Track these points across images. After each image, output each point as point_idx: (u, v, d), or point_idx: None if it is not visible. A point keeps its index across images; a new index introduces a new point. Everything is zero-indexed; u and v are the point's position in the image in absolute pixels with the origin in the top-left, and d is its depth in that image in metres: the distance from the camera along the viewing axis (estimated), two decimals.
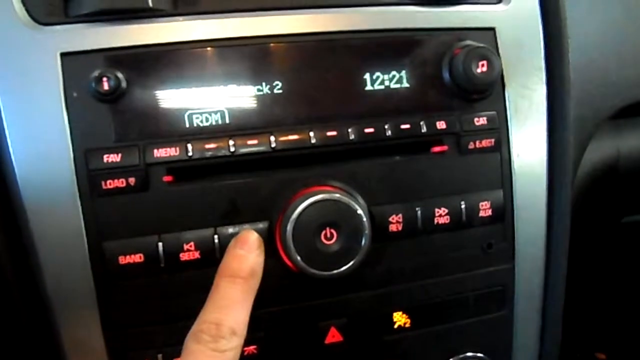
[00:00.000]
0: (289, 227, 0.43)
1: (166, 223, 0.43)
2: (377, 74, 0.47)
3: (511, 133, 0.50)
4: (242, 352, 0.39)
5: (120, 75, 0.42)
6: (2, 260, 0.43)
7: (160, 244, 0.43)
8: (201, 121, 0.44)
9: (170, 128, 0.43)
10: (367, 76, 0.47)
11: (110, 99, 0.42)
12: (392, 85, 0.47)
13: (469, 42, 0.48)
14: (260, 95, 0.45)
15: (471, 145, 0.49)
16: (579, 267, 0.62)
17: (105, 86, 0.41)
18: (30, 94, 0.41)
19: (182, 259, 0.43)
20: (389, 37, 0.48)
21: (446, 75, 0.48)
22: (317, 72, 0.46)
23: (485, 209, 0.49)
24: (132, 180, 0.42)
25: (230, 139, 0.44)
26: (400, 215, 0.47)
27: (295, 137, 0.45)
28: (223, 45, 0.44)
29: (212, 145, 0.44)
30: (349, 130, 0.46)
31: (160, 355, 0.44)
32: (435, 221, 0.48)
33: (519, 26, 0.51)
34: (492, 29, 0.50)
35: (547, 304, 0.55)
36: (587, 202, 0.61)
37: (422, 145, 0.49)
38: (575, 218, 0.54)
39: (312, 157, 0.46)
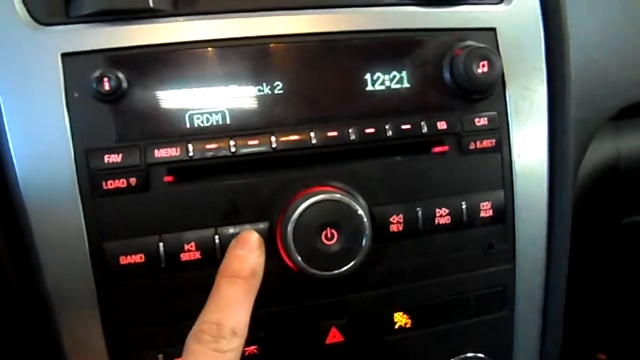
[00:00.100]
0: (290, 228, 0.43)
1: (167, 223, 0.43)
2: (378, 74, 0.47)
3: (512, 133, 0.50)
4: (243, 352, 0.39)
5: (121, 75, 0.42)
6: (3, 260, 0.43)
7: (161, 244, 0.43)
8: (202, 121, 0.44)
9: (171, 128, 0.43)
10: (367, 76, 0.47)
11: (111, 99, 0.42)
12: (393, 86, 0.47)
13: (469, 42, 0.48)
14: (261, 95, 0.45)
15: (472, 146, 0.49)
16: (579, 267, 0.62)
17: (106, 86, 0.41)
18: (31, 94, 0.41)
19: (182, 259, 0.43)
20: (390, 38, 0.48)
21: (447, 75, 0.48)
22: (318, 72, 0.46)
23: (486, 210, 0.49)
24: (133, 180, 0.42)
25: (231, 139, 0.44)
26: (401, 215, 0.47)
27: (296, 137, 0.45)
28: (224, 45, 0.44)
29: (212, 146, 0.44)
30: (350, 130, 0.46)
31: (161, 356, 0.44)
32: (436, 221, 0.48)
33: (519, 26, 0.51)
34: (493, 29, 0.50)
35: (548, 305, 0.55)
36: (588, 202, 0.61)
37: (423, 146, 0.49)
38: (576, 219, 0.54)
39: (313, 157, 0.46)
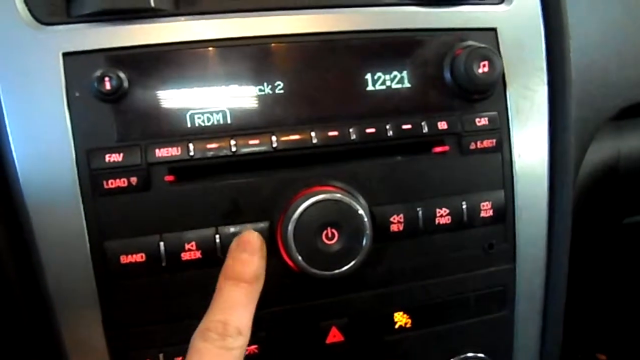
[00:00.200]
0: (290, 227, 0.43)
1: (168, 223, 0.43)
2: (379, 74, 0.47)
3: (512, 133, 0.50)
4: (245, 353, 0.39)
5: (122, 75, 0.42)
6: (4, 260, 0.43)
7: (161, 243, 0.43)
8: (203, 121, 0.44)
9: (172, 128, 0.43)
10: (368, 76, 0.47)
11: (112, 99, 0.42)
12: (394, 86, 0.47)
13: (470, 42, 0.48)
14: (262, 95, 0.45)
15: (472, 146, 0.49)
16: (580, 267, 0.62)
17: (107, 86, 0.41)
18: (33, 94, 0.41)
19: (183, 259, 0.43)
20: (391, 38, 0.48)
21: (447, 75, 0.48)
22: (319, 72, 0.46)
23: (486, 209, 0.50)
24: (133, 179, 0.42)
25: (231, 138, 0.44)
26: (401, 215, 0.47)
27: (296, 137, 0.45)
28: (225, 45, 0.45)
29: (213, 145, 0.44)
30: (351, 130, 0.46)
31: (161, 355, 0.44)
32: (437, 221, 0.48)
33: (520, 26, 0.51)
34: (494, 30, 0.50)
35: (548, 305, 0.55)
36: (588, 202, 0.61)
37: (424, 146, 0.49)
38: (576, 219, 0.54)
39: (314, 157, 0.46)
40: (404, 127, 0.47)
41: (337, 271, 0.44)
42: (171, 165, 0.43)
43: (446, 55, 0.48)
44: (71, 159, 0.42)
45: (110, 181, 0.42)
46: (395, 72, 0.47)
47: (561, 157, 0.52)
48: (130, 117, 0.43)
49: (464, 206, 0.49)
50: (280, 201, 0.45)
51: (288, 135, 0.45)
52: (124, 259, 0.43)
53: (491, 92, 0.49)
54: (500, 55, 0.49)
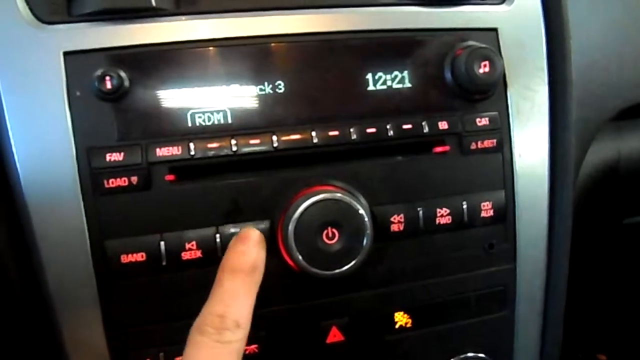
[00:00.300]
0: (291, 227, 0.43)
1: (168, 222, 0.43)
2: (379, 74, 0.47)
3: (513, 133, 0.50)
4: (244, 351, 0.39)
5: (123, 74, 0.42)
6: (5, 259, 0.43)
7: (162, 242, 0.43)
8: (203, 120, 0.44)
9: (173, 127, 0.43)
10: (369, 76, 0.47)
11: (112, 98, 0.42)
12: (394, 86, 0.47)
13: (471, 42, 0.48)
14: (263, 95, 0.45)
15: (473, 146, 0.49)
16: (580, 268, 0.62)
17: (108, 85, 0.41)
18: (33, 93, 0.41)
19: (183, 258, 0.43)
20: (391, 38, 0.48)
21: (448, 75, 0.48)
22: (320, 72, 0.46)
23: (486, 210, 0.50)
24: (134, 179, 0.42)
25: (232, 138, 0.44)
26: (402, 215, 0.47)
27: (297, 136, 0.45)
28: (225, 44, 0.45)
29: (214, 145, 0.44)
30: (351, 130, 0.46)
31: (162, 354, 0.44)
32: (437, 221, 0.48)
33: (521, 27, 0.51)
34: (495, 30, 0.50)
35: (549, 305, 0.55)
36: (588, 203, 0.61)
37: (424, 146, 0.49)
38: (576, 219, 0.54)
39: (314, 156, 0.46)
40: (405, 127, 0.47)
41: (337, 271, 0.44)
42: (172, 164, 0.43)
43: (447, 55, 0.48)
44: (72, 158, 0.42)
45: (110, 180, 0.42)
46: (396, 72, 0.47)
47: (562, 158, 0.53)
48: (131, 116, 0.43)
49: (465, 206, 0.49)
50: (281, 201, 0.45)
51: (289, 134, 0.45)
52: (125, 259, 0.43)
53: (492, 92, 0.49)
54: (501, 56, 0.49)
